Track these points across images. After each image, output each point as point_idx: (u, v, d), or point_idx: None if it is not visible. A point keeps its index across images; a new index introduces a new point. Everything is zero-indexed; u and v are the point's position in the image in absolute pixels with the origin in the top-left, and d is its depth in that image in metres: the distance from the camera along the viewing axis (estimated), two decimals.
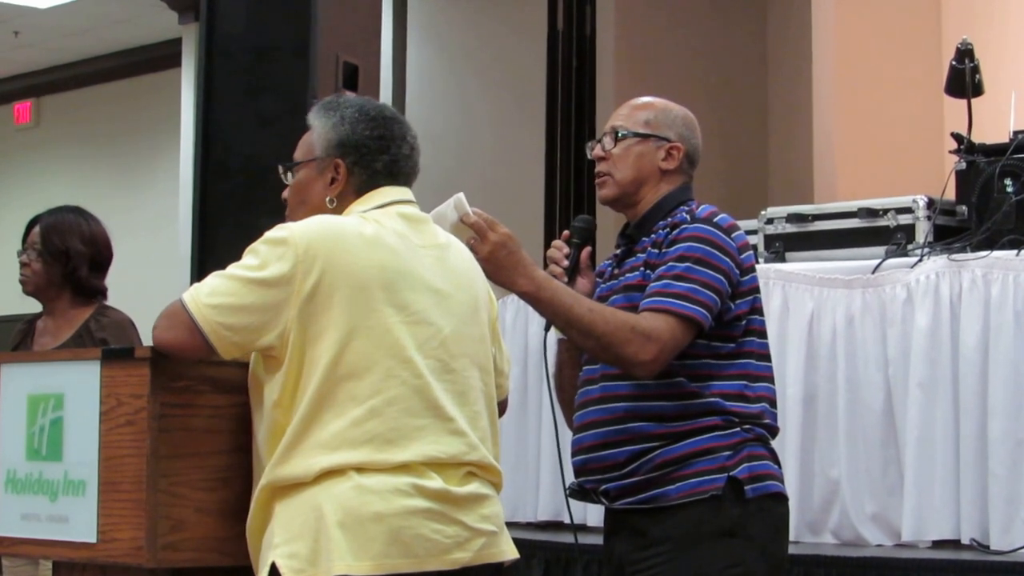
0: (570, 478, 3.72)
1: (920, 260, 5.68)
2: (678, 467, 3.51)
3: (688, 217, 3.59)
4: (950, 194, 5.97)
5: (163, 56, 13.60)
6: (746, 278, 3.60)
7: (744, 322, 3.59)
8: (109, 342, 4.91)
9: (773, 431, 3.65)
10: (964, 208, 5.88)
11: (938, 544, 5.50)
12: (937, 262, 5.61)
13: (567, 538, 5.79)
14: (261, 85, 6.07)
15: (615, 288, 3.66)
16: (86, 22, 13.42)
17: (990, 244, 5.62)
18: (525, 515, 6.46)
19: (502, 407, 3.52)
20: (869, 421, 5.70)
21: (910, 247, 5.84)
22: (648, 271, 3.58)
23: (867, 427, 5.70)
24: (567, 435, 3.75)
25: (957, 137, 5.96)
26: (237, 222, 5.89)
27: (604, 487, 3.59)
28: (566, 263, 3.72)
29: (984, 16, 7.59)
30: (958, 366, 5.52)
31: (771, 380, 3.67)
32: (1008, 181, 5.68)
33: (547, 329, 3.69)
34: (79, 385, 3.20)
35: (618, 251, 3.75)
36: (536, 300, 3.51)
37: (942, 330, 5.55)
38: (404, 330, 3.15)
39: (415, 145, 3.39)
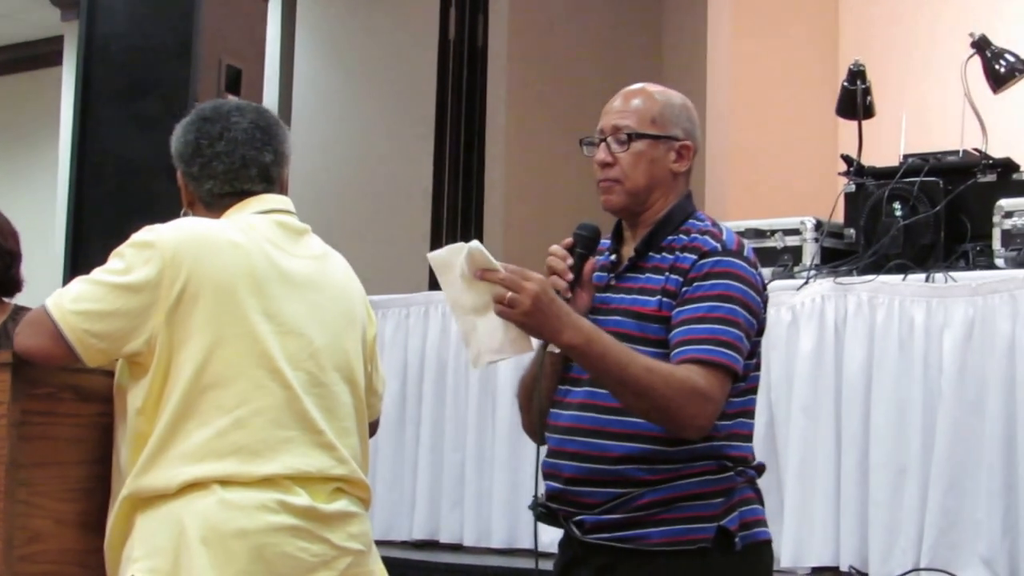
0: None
1: (806, 282, 5.59)
2: (665, 509, 3.22)
3: (717, 246, 3.28)
4: (839, 216, 5.94)
5: (44, 53, 13.43)
6: (764, 315, 3.37)
7: (755, 359, 3.34)
8: None
9: (760, 470, 3.38)
10: (852, 231, 5.86)
11: (817, 571, 5.45)
12: (823, 285, 5.53)
13: (443, 558, 5.74)
14: (141, 86, 6.02)
15: (617, 307, 3.31)
16: None
17: (877, 268, 5.56)
18: (400, 534, 6.34)
19: (373, 428, 3.48)
20: None
21: (797, 269, 5.77)
22: (667, 299, 3.26)
23: None
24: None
25: (847, 159, 5.95)
26: (112, 225, 5.81)
27: (579, 518, 3.27)
28: (571, 276, 3.25)
29: (881, 39, 7.64)
30: (841, 391, 5.45)
31: None
32: (897, 205, 5.63)
33: (545, 347, 3.20)
34: None
35: (613, 257, 3.41)
36: (584, 355, 3.12)
37: (826, 354, 5.48)
38: (274, 340, 3.11)
39: (244, 138, 3.28)
